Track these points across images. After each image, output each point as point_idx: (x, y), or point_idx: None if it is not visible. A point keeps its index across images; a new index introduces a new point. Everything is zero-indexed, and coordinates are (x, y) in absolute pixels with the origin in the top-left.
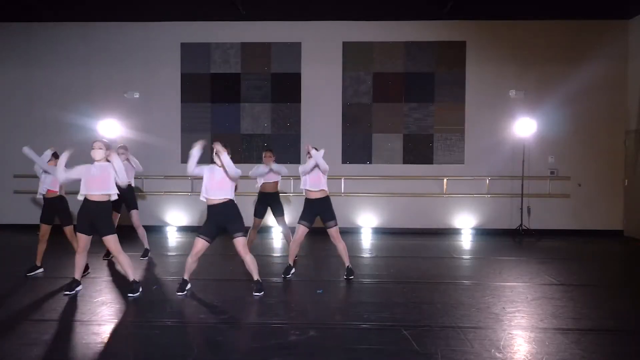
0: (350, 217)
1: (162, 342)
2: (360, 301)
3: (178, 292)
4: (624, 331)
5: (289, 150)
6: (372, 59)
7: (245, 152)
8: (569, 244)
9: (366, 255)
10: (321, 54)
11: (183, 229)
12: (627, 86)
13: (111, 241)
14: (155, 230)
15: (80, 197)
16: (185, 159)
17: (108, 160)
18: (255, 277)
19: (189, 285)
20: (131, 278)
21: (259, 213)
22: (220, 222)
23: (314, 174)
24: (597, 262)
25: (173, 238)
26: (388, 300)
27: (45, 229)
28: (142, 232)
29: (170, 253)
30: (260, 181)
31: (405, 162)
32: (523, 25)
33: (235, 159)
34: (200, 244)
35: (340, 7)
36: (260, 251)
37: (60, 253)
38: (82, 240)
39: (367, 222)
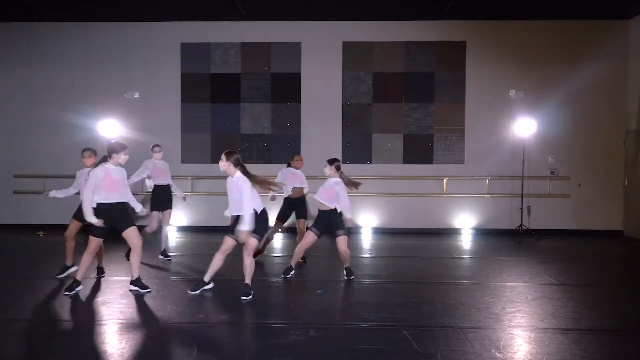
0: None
1: (162, 342)
2: (360, 301)
3: (191, 290)
4: (624, 331)
5: (289, 150)
6: (372, 59)
7: (245, 152)
8: (569, 244)
9: (366, 255)
10: (321, 54)
11: (183, 229)
12: (627, 86)
13: (133, 232)
14: (155, 230)
15: (101, 201)
16: (185, 159)
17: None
18: (247, 280)
19: (211, 285)
20: (135, 276)
21: (283, 217)
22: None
23: (331, 191)
24: (597, 262)
25: (173, 238)
26: (388, 300)
27: (76, 226)
28: (165, 233)
29: (170, 253)
30: (289, 187)
31: (405, 162)
32: (523, 25)
33: None
34: (230, 242)
35: (340, 7)
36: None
37: (60, 253)
38: (96, 244)
39: (367, 222)
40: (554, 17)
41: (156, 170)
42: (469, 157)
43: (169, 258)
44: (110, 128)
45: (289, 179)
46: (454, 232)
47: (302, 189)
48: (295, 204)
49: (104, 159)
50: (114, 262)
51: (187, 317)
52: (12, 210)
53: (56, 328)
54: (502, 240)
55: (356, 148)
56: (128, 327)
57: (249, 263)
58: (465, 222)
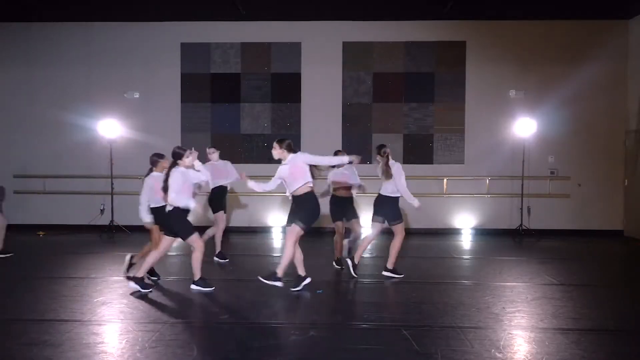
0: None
1: (162, 342)
2: (360, 301)
3: (292, 288)
4: (624, 331)
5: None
6: (372, 59)
7: (245, 152)
8: (569, 244)
9: (366, 255)
10: (321, 54)
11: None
12: (627, 86)
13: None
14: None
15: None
16: None
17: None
18: (279, 270)
19: (307, 280)
20: (141, 274)
21: (338, 218)
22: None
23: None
24: (597, 262)
25: None
26: (388, 300)
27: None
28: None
29: (170, 253)
30: (330, 179)
31: (405, 162)
32: (523, 25)
33: (235, 159)
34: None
35: (340, 7)
36: (261, 252)
37: (60, 253)
38: (199, 238)
39: (367, 222)
40: (554, 17)
41: (215, 171)
42: (469, 157)
43: (226, 259)
44: (110, 128)
45: (338, 178)
46: (454, 232)
47: (345, 187)
48: (341, 203)
49: (174, 164)
50: (114, 262)
51: (187, 317)
52: (12, 210)
53: (56, 328)
54: (502, 240)
55: (356, 148)
56: (128, 327)
57: (288, 252)
58: (465, 222)
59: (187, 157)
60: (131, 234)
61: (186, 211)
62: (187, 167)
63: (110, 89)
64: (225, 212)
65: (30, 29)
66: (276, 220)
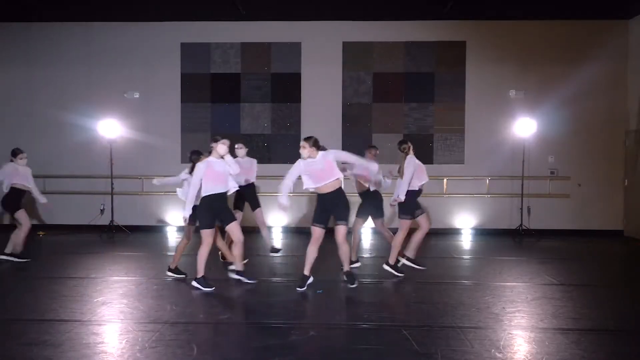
0: (350, 217)
1: (162, 342)
2: (360, 301)
3: (298, 288)
4: (624, 331)
5: (289, 151)
6: (372, 59)
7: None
8: (569, 244)
9: (366, 255)
10: (321, 54)
11: (183, 229)
12: (627, 86)
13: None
14: (156, 230)
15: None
16: (185, 159)
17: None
18: (346, 267)
19: (310, 280)
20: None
21: (359, 212)
22: (330, 209)
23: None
24: (597, 262)
25: (173, 238)
26: (388, 300)
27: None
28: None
29: (170, 253)
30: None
31: None
32: (523, 25)
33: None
34: (318, 232)
35: (340, 7)
36: (262, 251)
37: (60, 252)
38: (211, 235)
39: (367, 222)
40: (554, 17)
41: (240, 168)
42: (469, 157)
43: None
44: (110, 128)
45: (359, 171)
46: (454, 232)
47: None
48: (365, 198)
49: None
50: (114, 262)
51: (187, 317)
52: None
53: (56, 328)
54: (502, 240)
55: (356, 148)
56: (128, 327)
57: (344, 249)
58: (465, 222)
59: (223, 143)
60: (131, 234)
61: (213, 203)
62: (221, 155)
63: (110, 89)
64: (259, 208)
65: (30, 29)
66: (276, 220)
